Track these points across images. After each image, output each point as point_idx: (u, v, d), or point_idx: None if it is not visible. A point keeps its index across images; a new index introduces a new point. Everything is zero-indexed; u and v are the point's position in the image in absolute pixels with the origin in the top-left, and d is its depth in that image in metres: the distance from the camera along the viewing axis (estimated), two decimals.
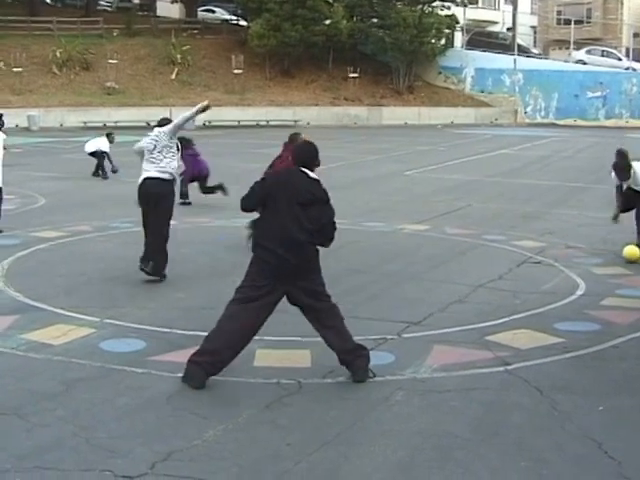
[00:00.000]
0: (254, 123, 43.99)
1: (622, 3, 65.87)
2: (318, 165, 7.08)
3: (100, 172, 22.12)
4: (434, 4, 52.32)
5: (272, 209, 6.78)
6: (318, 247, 6.92)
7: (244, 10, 53.54)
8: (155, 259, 10.34)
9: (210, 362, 6.69)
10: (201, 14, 60.27)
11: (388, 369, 7.18)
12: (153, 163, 10.37)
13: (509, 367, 7.31)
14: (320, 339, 7.08)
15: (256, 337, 7.81)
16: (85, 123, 40.05)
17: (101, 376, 6.98)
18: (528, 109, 52.03)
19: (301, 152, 7.14)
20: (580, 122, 49.58)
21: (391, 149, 33.38)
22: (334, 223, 6.99)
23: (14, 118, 39.25)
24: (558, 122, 49.97)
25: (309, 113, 46.50)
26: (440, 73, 54.00)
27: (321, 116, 46.76)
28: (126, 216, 15.09)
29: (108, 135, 22.80)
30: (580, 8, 64.65)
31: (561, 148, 34.79)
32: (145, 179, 10.38)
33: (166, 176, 10.37)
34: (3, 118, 14.20)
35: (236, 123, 43.88)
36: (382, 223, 15.25)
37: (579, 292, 10.29)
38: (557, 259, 12.27)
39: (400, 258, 12.36)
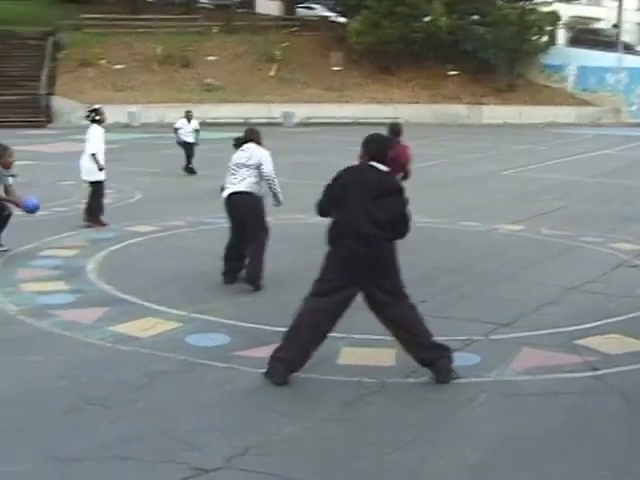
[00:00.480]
0: (353, 120, 43.95)
1: None
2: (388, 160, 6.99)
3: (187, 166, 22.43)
4: (536, 0, 51.44)
5: (344, 206, 6.72)
6: (394, 242, 6.82)
7: (343, 7, 53.60)
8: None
9: (291, 358, 6.68)
10: (300, 11, 60.55)
11: (472, 371, 7.07)
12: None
13: (597, 372, 7.12)
14: None
15: (342, 334, 7.85)
16: None
17: (184, 370, 7.04)
18: (633, 108, 50.79)
19: (370, 145, 6.98)
20: None
21: (490, 148, 32.99)
22: (406, 214, 6.89)
23: (115, 114, 39.99)
24: None
25: (408, 111, 46.24)
26: (542, 71, 53.07)
27: (420, 114, 46.49)
28: (219, 211, 15.24)
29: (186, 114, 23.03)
30: None
31: None
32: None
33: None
34: (103, 113, 14.43)
35: (335, 120, 43.94)
36: (478, 222, 15.04)
37: None
38: None
39: (494, 258, 12.17)
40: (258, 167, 9.95)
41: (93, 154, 13.83)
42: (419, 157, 27.98)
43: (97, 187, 14.01)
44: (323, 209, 6.97)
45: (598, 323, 8.68)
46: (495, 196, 18.96)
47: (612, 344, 7.99)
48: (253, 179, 9.96)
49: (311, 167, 17.52)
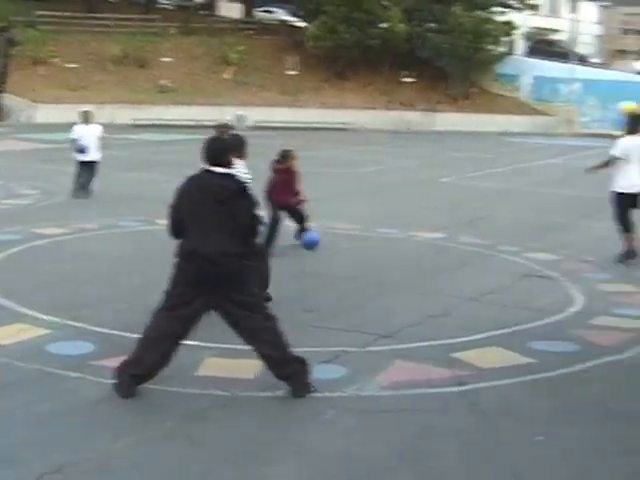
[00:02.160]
0: (306, 125, 43.73)
1: None
2: (239, 157, 6.75)
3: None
4: (493, 10, 51.55)
5: (190, 219, 6.46)
6: (246, 256, 6.58)
7: (302, 11, 53.44)
8: None
9: (137, 371, 6.43)
10: (260, 14, 60.28)
11: (332, 385, 6.84)
12: None
13: (462, 388, 6.92)
14: None
15: (209, 344, 7.63)
16: (135, 120, 40.23)
17: (34, 379, 6.77)
18: (585, 119, 50.99)
19: (207, 150, 6.68)
20: None
21: (436, 155, 32.94)
22: (254, 219, 6.63)
23: (66, 113, 39.58)
24: (615, 133, 48.73)
25: (363, 116, 46.16)
26: (497, 80, 53.20)
27: (376, 120, 46.38)
28: (138, 214, 15.01)
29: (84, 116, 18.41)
30: None
31: None
32: None
33: None
34: None
35: (288, 124, 43.69)
36: (396, 230, 14.84)
37: (573, 309, 9.82)
38: (565, 273, 11.78)
39: (400, 267, 11.99)
40: None
41: None
42: (362, 163, 28.04)
43: None
44: (174, 233, 6.67)
45: (482, 335, 8.50)
46: (425, 203, 18.84)
47: (490, 358, 7.81)
48: None
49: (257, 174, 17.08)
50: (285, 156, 12.54)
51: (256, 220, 6.69)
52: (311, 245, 12.21)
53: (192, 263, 6.38)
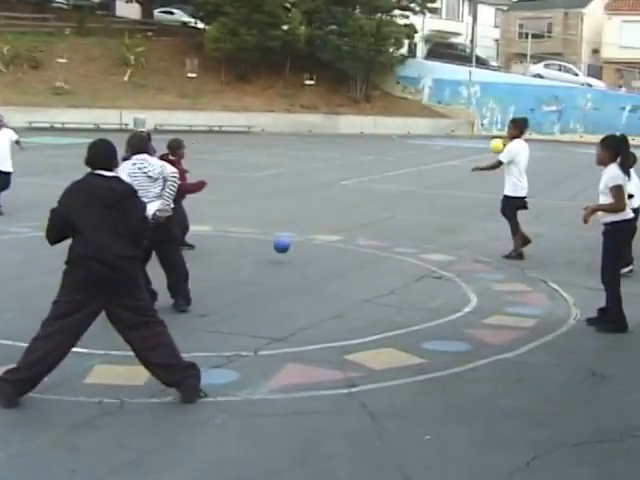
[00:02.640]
0: (207, 128, 43.43)
1: (582, 19, 66.04)
2: (117, 165, 6.68)
3: None
4: (393, 13, 52.03)
5: (80, 224, 6.31)
6: (137, 258, 6.49)
7: (202, 13, 53.01)
8: None
9: (21, 380, 6.26)
10: (160, 15, 59.66)
11: (224, 389, 6.79)
12: None
13: (353, 389, 6.94)
14: None
15: (99, 351, 7.50)
16: (30, 123, 39.31)
17: None
18: (484, 121, 51.80)
19: (96, 153, 6.55)
20: (535, 136, 49.06)
21: (338, 158, 33.03)
22: (145, 218, 6.60)
23: None
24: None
25: (264, 119, 46.01)
26: (398, 83, 53.68)
27: (277, 123, 46.30)
28: (30, 220, 14.63)
29: None
30: (542, 22, 64.67)
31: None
32: None
33: None
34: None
35: (188, 128, 43.31)
36: (295, 233, 14.81)
37: (467, 309, 9.96)
38: (460, 274, 11.93)
39: (296, 270, 11.97)
40: None
41: None
42: (263, 166, 27.98)
43: None
44: (52, 237, 6.54)
45: (376, 337, 8.54)
46: (325, 206, 18.86)
47: (381, 359, 7.86)
48: None
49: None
50: (175, 147, 12.23)
51: (146, 223, 6.59)
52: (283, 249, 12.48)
53: (85, 267, 6.24)
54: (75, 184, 6.50)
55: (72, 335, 6.41)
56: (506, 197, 13.38)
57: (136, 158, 9.20)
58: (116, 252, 6.23)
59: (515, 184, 13.21)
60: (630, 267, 11.80)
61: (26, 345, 7.54)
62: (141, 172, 9.07)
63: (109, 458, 5.46)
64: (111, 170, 6.49)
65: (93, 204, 6.28)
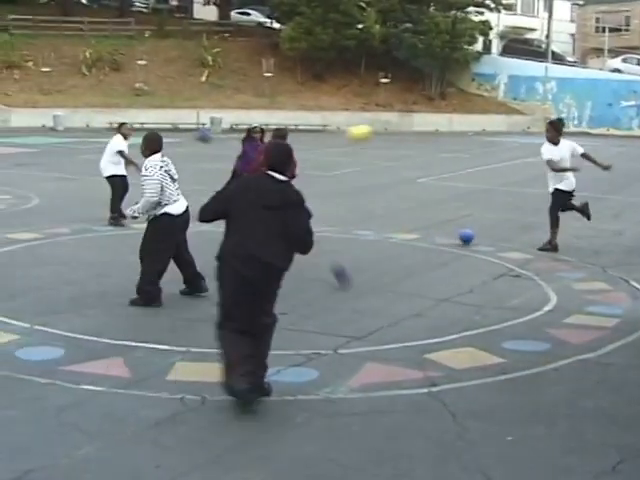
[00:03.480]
0: (283, 127, 43.63)
1: None
2: (292, 169, 6.71)
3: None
4: (468, 10, 51.63)
5: (236, 217, 6.35)
6: (280, 269, 6.45)
7: (278, 13, 53.28)
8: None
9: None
10: (236, 16, 60.11)
11: (304, 388, 6.82)
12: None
13: (434, 389, 6.90)
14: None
15: (180, 348, 7.62)
16: (111, 124, 39.86)
17: (1, 386, 6.69)
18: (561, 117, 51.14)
19: (271, 154, 6.59)
20: (613, 131, 48.55)
21: (413, 156, 32.93)
22: (310, 229, 6.48)
23: (40, 118, 39.45)
24: (591, 131, 48.91)
25: (339, 118, 46.00)
26: (473, 80, 53.28)
27: (351, 121, 45.96)
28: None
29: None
30: (619, 16, 63.59)
31: None
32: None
33: None
34: None
35: (264, 127, 43.56)
36: (372, 231, 14.81)
37: (547, 308, 9.83)
38: (539, 272, 11.79)
39: (374, 268, 11.95)
40: None
41: None
42: (339, 164, 27.98)
43: None
44: (204, 216, 6.59)
45: (455, 336, 8.49)
46: (402, 204, 18.80)
47: (461, 358, 7.80)
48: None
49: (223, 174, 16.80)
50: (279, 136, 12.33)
51: (310, 235, 6.51)
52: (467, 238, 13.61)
53: (227, 264, 6.29)
54: (247, 179, 6.59)
55: (245, 335, 6.41)
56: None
57: (160, 158, 9.40)
58: (259, 255, 6.21)
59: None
60: None
61: (107, 341, 7.79)
62: (166, 173, 9.36)
63: (192, 454, 5.52)
64: (284, 174, 6.48)
65: (255, 202, 6.28)
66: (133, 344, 7.81)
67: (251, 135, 14.88)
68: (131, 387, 6.63)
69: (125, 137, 15.64)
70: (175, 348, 7.66)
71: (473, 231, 13.90)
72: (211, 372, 7.02)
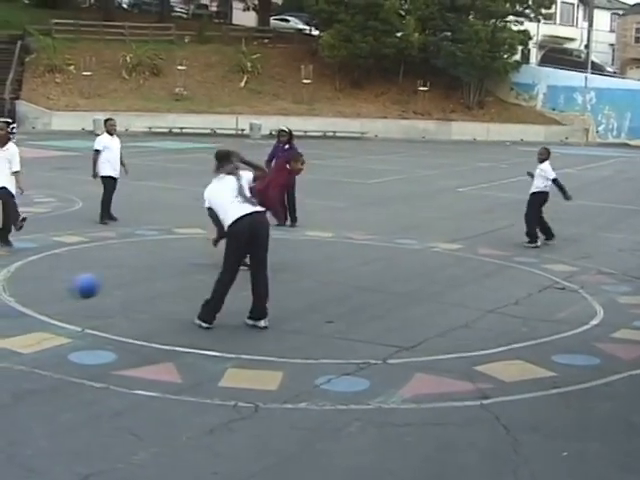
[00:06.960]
0: (321, 133, 43.70)
1: None
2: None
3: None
4: (508, 19, 51.40)
5: None
6: None
7: (317, 20, 53.38)
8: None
9: None
10: (275, 23, 60.30)
11: (357, 397, 6.83)
12: None
13: (485, 401, 6.88)
14: (294, 360, 6.84)
15: (230, 355, 7.65)
16: (150, 128, 40.27)
17: (56, 389, 6.77)
18: (600, 128, 50.74)
19: None
20: None
21: (452, 164, 32.82)
22: None
23: (81, 121, 39.75)
24: (630, 142, 48.58)
25: (377, 125, 46.07)
26: (512, 89, 52.97)
27: (389, 129, 46.28)
28: (154, 223, 15.01)
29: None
30: None
31: (626, 169, 33.75)
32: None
33: None
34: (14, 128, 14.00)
35: (302, 133, 43.63)
36: (415, 240, 14.79)
37: (594, 322, 9.77)
38: (584, 285, 11.72)
39: (419, 278, 11.94)
40: None
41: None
42: (377, 172, 27.98)
43: None
44: None
45: (504, 348, 8.47)
46: (441, 214, 18.75)
47: (511, 371, 7.78)
48: None
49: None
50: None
51: None
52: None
53: None
54: None
55: None
56: None
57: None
58: None
59: None
60: None
61: (160, 346, 7.83)
62: None
63: (248, 462, 5.54)
64: None
65: None
66: (183, 350, 7.86)
67: (279, 138, 16.11)
68: (184, 393, 6.67)
69: (110, 133, 15.69)
70: (225, 355, 7.69)
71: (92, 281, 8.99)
72: (263, 380, 7.07)
